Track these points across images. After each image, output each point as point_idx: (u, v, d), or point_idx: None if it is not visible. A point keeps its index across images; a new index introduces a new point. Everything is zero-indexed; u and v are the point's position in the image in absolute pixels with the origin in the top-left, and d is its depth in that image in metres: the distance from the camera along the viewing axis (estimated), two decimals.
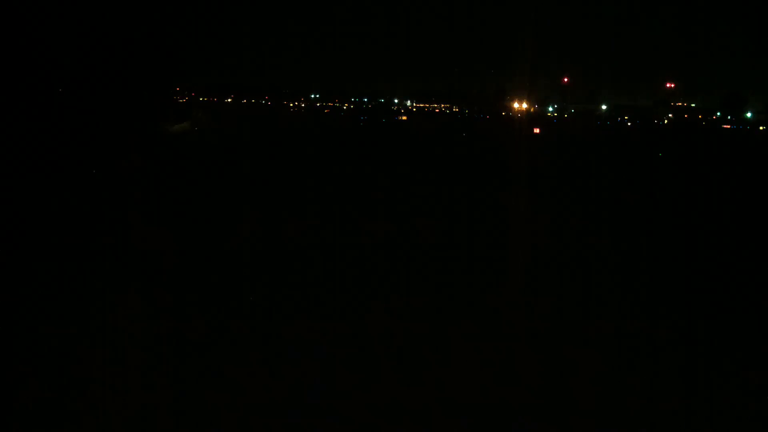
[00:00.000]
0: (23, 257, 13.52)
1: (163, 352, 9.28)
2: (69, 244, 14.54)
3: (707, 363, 9.67)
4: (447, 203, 23.57)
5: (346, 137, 55.84)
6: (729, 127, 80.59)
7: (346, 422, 7.58)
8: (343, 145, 47.78)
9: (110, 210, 18.57)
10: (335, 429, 7.47)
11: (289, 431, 7.42)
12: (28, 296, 11.21)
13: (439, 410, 7.95)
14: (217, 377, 8.60)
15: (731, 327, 11.23)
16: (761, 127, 78.92)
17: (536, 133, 67.17)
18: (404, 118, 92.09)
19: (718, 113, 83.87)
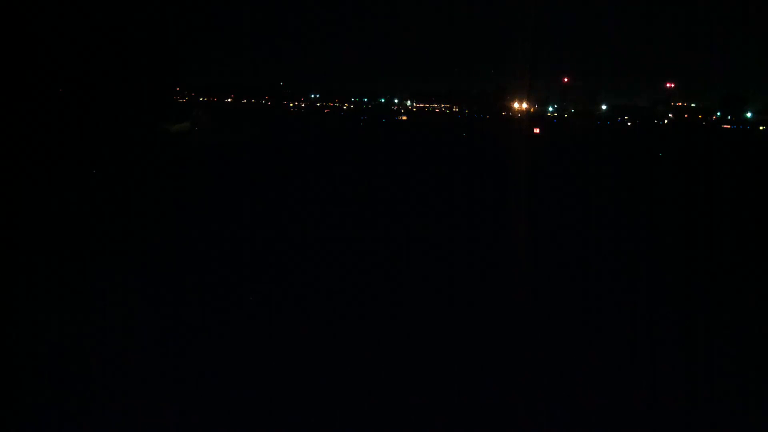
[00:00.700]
0: (24, 256, 13.51)
1: (163, 350, 9.28)
2: (69, 242, 14.53)
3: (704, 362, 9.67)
4: (447, 202, 23.55)
5: (347, 137, 55.75)
6: (729, 127, 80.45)
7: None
8: (343, 145, 47.70)
9: (110, 209, 18.54)
10: None
11: None
12: (29, 294, 11.19)
13: None
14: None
15: (731, 327, 11.22)
16: (761, 127, 78.80)
17: (536, 133, 67.06)
18: (404, 118, 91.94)
19: (718, 113, 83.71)
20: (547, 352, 9.91)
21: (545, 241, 17.58)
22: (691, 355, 10.07)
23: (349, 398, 8.30)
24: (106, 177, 24.02)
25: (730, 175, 35.89)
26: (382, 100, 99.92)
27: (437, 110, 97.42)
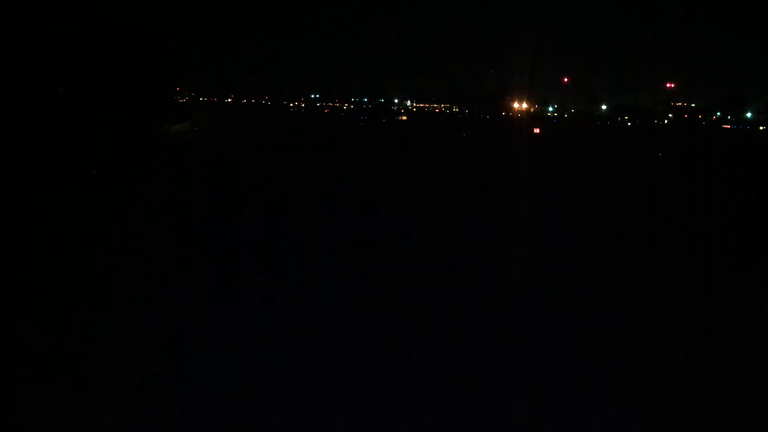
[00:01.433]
0: (23, 257, 13.51)
1: (164, 350, 9.27)
2: (69, 244, 14.53)
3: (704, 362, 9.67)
4: (448, 200, 23.57)
5: (346, 137, 55.77)
6: (729, 127, 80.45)
7: None
8: (343, 145, 47.72)
9: (110, 210, 18.54)
10: None
11: None
12: (29, 296, 11.19)
13: None
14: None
15: (730, 326, 11.22)
16: (761, 127, 78.77)
17: (536, 133, 67.09)
18: (404, 118, 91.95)
19: (718, 113, 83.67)
20: (545, 350, 9.90)
21: (545, 241, 17.59)
22: (691, 355, 10.06)
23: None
24: (106, 177, 24.02)
25: (730, 175, 35.88)
26: (382, 100, 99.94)
27: (437, 110, 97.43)
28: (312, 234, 17.13)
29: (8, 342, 9.35)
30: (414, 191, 25.37)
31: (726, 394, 8.66)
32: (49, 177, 22.18)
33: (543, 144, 54.88)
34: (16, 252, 13.81)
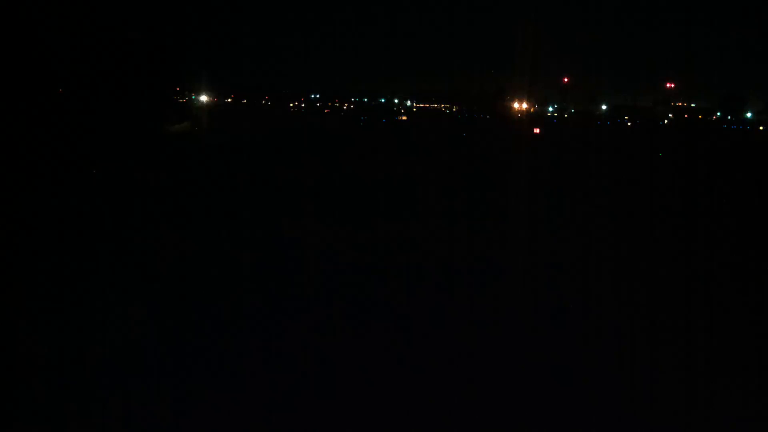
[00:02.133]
0: (23, 258, 13.51)
1: (164, 351, 9.28)
2: (69, 244, 14.53)
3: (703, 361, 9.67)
4: (447, 201, 23.58)
5: (347, 137, 55.78)
6: (729, 127, 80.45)
7: None
8: (343, 145, 47.72)
9: (110, 210, 18.54)
10: None
11: None
12: (29, 297, 11.19)
13: None
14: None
15: (730, 326, 11.22)
16: (761, 127, 78.77)
17: (536, 133, 67.08)
18: (404, 118, 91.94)
19: (718, 113, 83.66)
20: (545, 350, 9.91)
21: (544, 240, 17.59)
22: (691, 355, 10.07)
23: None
24: (105, 177, 24.03)
25: (730, 175, 35.90)
26: (383, 100, 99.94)
27: (437, 110, 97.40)
28: (312, 235, 17.13)
29: (8, 342, 9.35)
30: (414, 191, 25.38)
31: (726, 393, 8.67)
32: (49, 177, 22.18)
33: (543, 144, 54.86)
34: (16, 252, 13.81)
